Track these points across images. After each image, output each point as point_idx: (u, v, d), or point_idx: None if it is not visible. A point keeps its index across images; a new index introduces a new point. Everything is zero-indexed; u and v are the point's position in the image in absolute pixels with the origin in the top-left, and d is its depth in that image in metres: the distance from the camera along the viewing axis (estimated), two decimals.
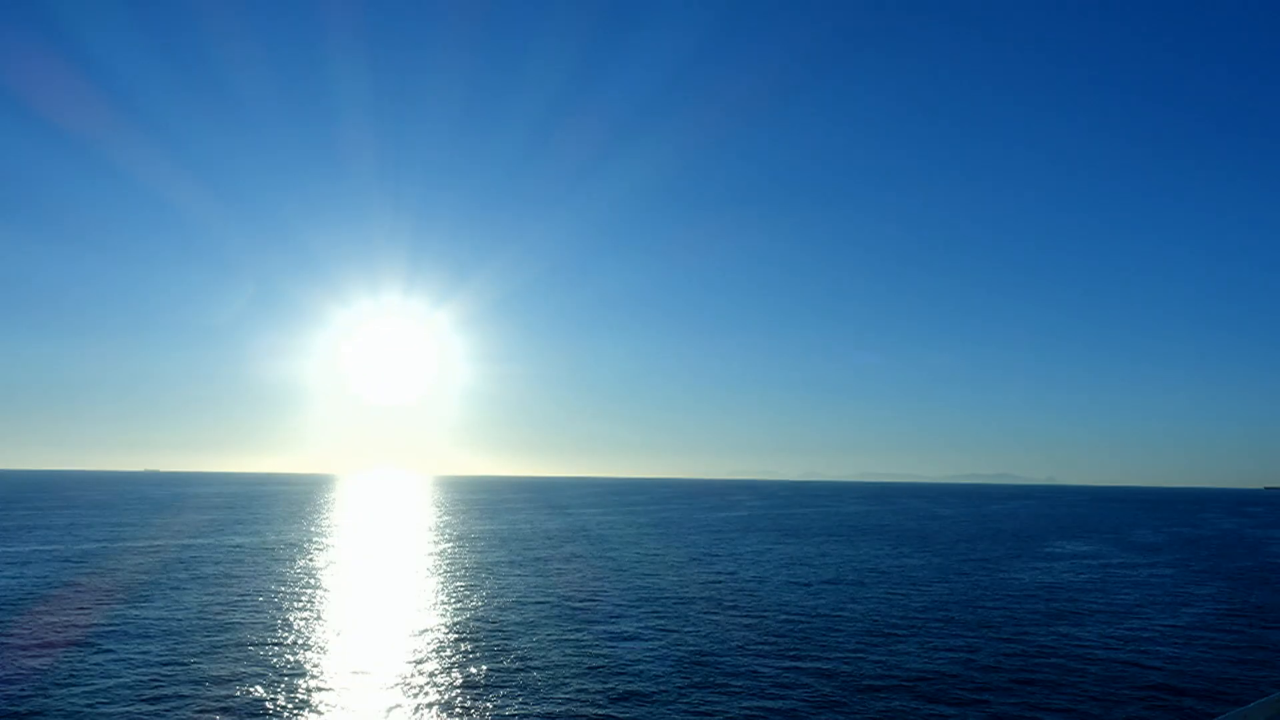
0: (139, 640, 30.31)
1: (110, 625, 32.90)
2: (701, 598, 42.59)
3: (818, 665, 28.35)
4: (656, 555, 64.37)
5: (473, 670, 27.01)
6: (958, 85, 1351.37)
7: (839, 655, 29.90)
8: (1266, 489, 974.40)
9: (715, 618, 36.75)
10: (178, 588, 43.07)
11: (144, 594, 40.68)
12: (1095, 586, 50.32)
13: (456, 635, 32.49)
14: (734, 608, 39.63)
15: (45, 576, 46.62)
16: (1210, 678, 27.81)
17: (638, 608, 39.14)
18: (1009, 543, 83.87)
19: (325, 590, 43.90)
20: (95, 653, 28.32)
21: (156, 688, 24.24)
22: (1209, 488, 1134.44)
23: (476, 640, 31.53)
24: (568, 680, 25.88)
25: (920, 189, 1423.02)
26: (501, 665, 27.69)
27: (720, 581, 49.20)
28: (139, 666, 26.56)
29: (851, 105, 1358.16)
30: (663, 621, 35.63)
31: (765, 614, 38.06)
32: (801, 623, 36.05)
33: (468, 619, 35.91)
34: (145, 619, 34.28)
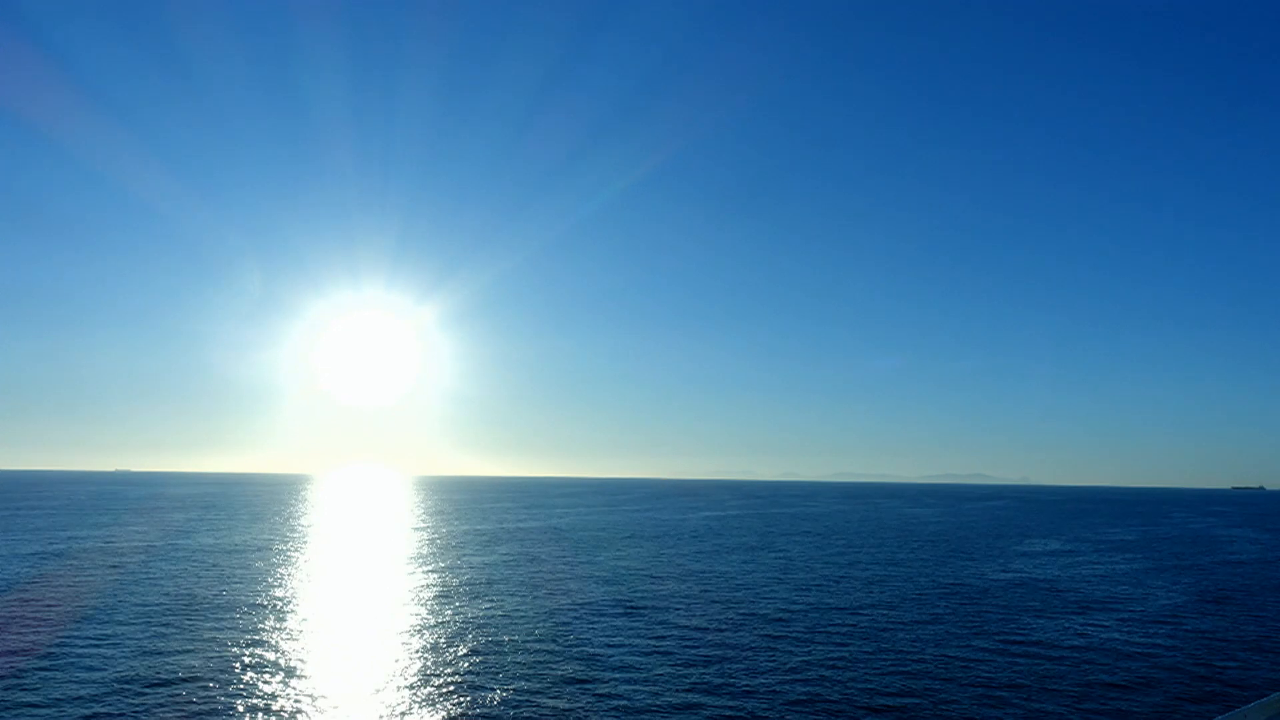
0: (104, 644, 30.18)
1: (77, 628, 32.70)
2: (686, 597, 42.99)
3: (799, 664, 28.85)
4: (644, 557, 64.71)
5: (449, 674, 27.20)
6: (936, 94, 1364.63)
7: (820, 653, 30.42)
8: (1234, 489, 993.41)
9: (700, 617, 37.15)
10: (148, 590, 42.80)
11: (113, 597, 40.36)
12: (1070, 584, 51.34)
13: (431, 637, 32.62)
14: (717, 608, 40.06)
15: (12, 578, 46.10)
16: (1187, 672, 28.64)
17: (627, 613, 39.44)
18: (986, 541, 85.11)
19: (296, 594, 43.79)
20: (61, 655, 28.20)
21: (125, 692, 24.23)
22: (1178, 488, 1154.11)
23: (452, 644, 31.70)
24: (547, 682, 26.18)
25: (899, 192, 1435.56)
26: (479, 668, 27.91)
27: (705, 581, 49.62)
28: (105, 671, 26.51)
29: (825, 112, 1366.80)
30: (649, 623, 35.99)
31: (750, 612, 38.52)
32: (785, 620, 36.56)
33: (442, 622, 36.04)
34: (112, 623, 34.09)
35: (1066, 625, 36.76)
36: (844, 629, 34.81)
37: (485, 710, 22.74)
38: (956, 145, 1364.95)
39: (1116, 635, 34.69)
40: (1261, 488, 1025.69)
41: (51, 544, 65.52)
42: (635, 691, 24.73)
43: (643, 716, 22.52)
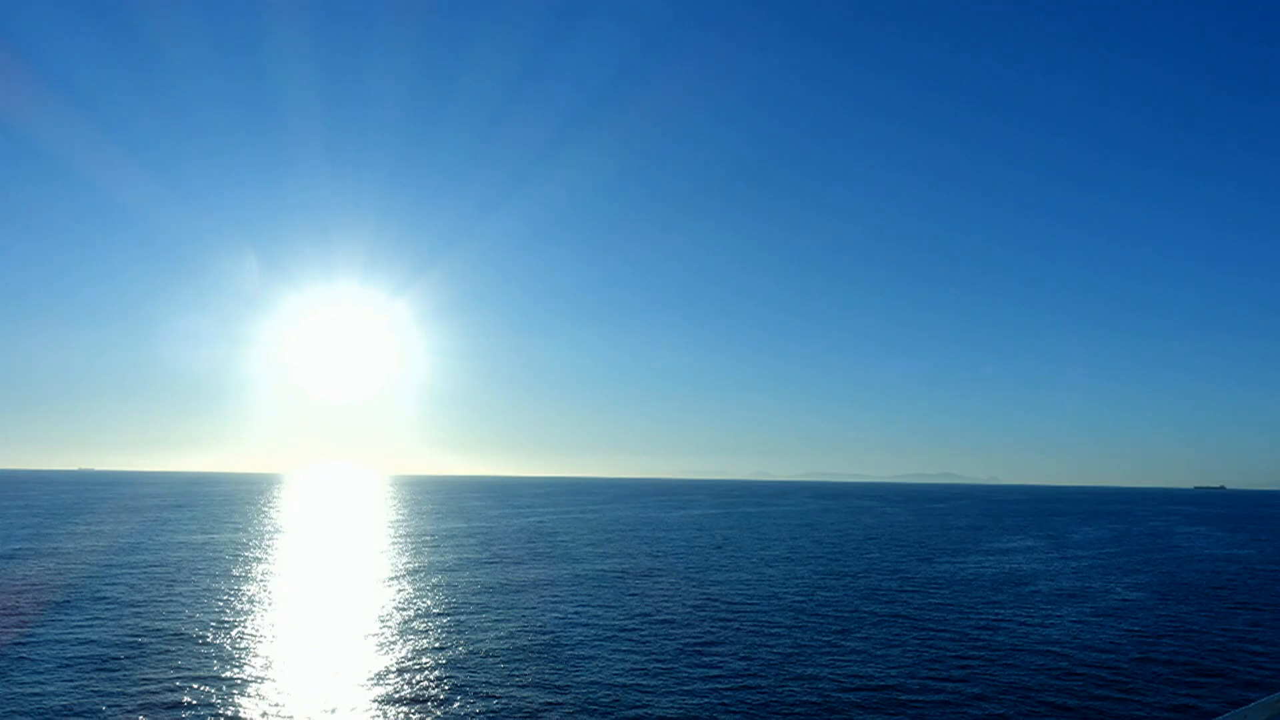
0: (66, 650, 29.80)
1: (38, 633, 32.25)
2: (666, 594, 43.23)
3: (774, 657, 29.19)
4: (622, 556, 64.85)
5: (423, 676, 27.19)
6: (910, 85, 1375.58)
7: (799, 650, 30.80)
8: (1196, 488, 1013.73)
9: (678, 613, 37.41)
10: (111, 593, 42.24)
11: (76, 600, 39.76)
12: (1043, 581, 52.30)
13: (404, 640, 32.54)
14: (693, 603, 40.34)
15: None
16: (1174, 668, 29.37)
17: (607, 611, 39.57)
18: (957, 539, 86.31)
19: (262, 598, 43.43)
20: (21, 661, 27.84)
21: (86, 699, 24.00)
22: (1142, 487, 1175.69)
23: (426, 645, 31.66)
24: (523, 679, 26.28)
25: (871, 187, 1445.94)
26: (454, 670, 27.93)
27: (683, 578, 49.90)
28: (66, 679, 26.21)
29: (794, 102, 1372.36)
30: (629, 621, 36.18)
31: (726, 607, 38.83)
32: (758, 614, 36.92)
33: (415, 625, 35.95)
34: (75, 627, 33.64)
35: (1047, 623, 37.48)
36: (819, 623, 35.21)
37: (463, 710, 22.79)
38: (944, 143, 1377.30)
39: (1096, 632, 35.45)
40: (1223, 487, 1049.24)
41: (14, 545, 64.26)
42: (618, 690, 24.91)
43: (627, 714, 22.71)
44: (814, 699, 24.29)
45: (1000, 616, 38.58)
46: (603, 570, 53.26)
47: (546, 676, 26.09)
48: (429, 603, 39.69)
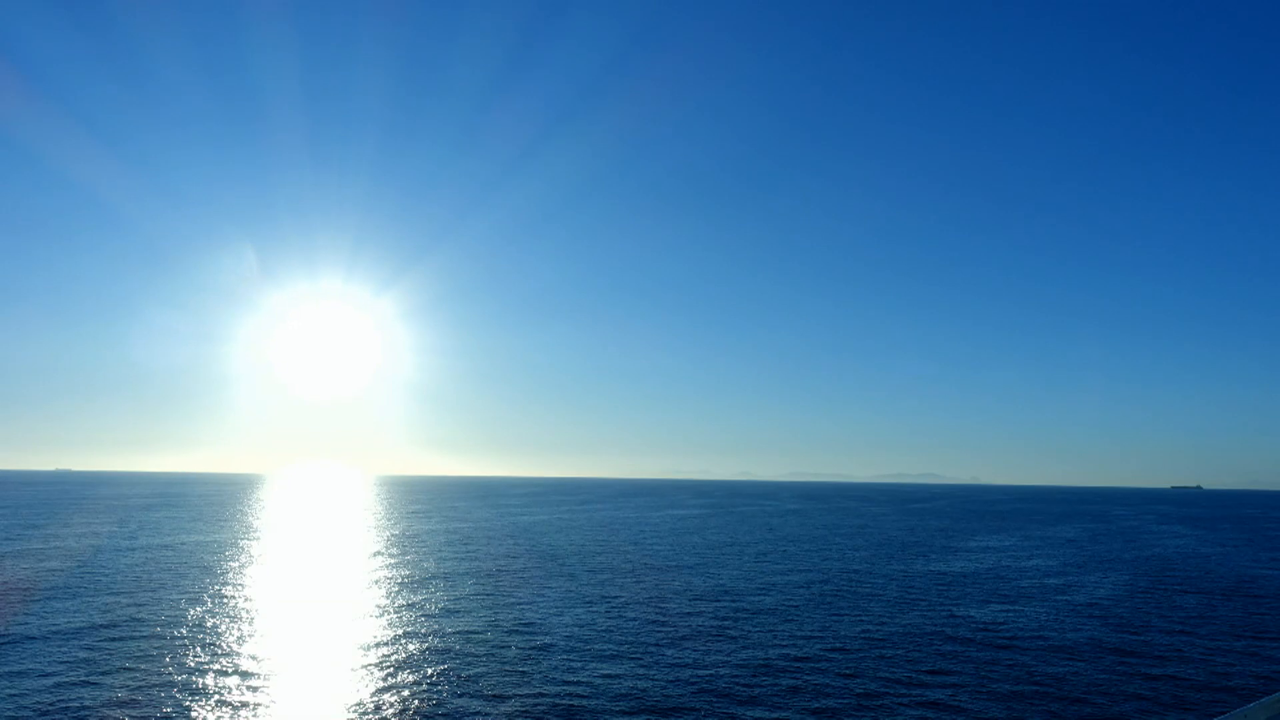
0: (42, 650, 29.72)
1: (14, 634, 32.12)
2: (658, 593, 43.53)
3: (762, 657, 29.57)
4: (613, 556, 65.07)
5: (412, 680, 27.36)
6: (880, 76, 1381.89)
7: (779, 646, 31.19)
8: (1173, 488, 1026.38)
9: (667, 611, 37.72)
10: (85, 595, 42.04)
11: (51, 602, 39.57)
12: (1018, 578, 53.04)
13: (391, 644, 32.64)
14: (682, 602, 40.67)
15: None
16: (1167, 665, 29.97)
17: (601, 612, 39.78)
18: (938, 538, 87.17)
19: (238, 599, 43.33)
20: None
21: (64, 698, 24.01)
22: (1121, 487, 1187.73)
23: (414, 649, 31.78)
24: (505, 685, 26.48)
25: (859, 184, 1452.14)
26: (445, 673, 28.10)
27: (673, 576, 50.22)
28: (43, 680, 26.18)
29: (785, 96, 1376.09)
30: (623, 623, 36.42)
31: (713, 604, 39.18)
32: (750, 616, 37.31)
33: (398, 632, 36.08)
34: (54, 629, 33.53)
35: (1020, 620, 38.08)
36: (810, 621, 35.63)
37: (445, 708, 22.99)
38: (939, 140, 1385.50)
39: (1073, 630, 36.07)
40: (1199, 487, 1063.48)
41: None
42: (602, 687, 25.17)
43: (609, 709, 22.99)
44: (791, 693, 24.67)
45: (979, 614, 39.14)
46: (586, 570, 53.45)
47: (529, 674, 26.31)
48: (410, 603, 39.76)
